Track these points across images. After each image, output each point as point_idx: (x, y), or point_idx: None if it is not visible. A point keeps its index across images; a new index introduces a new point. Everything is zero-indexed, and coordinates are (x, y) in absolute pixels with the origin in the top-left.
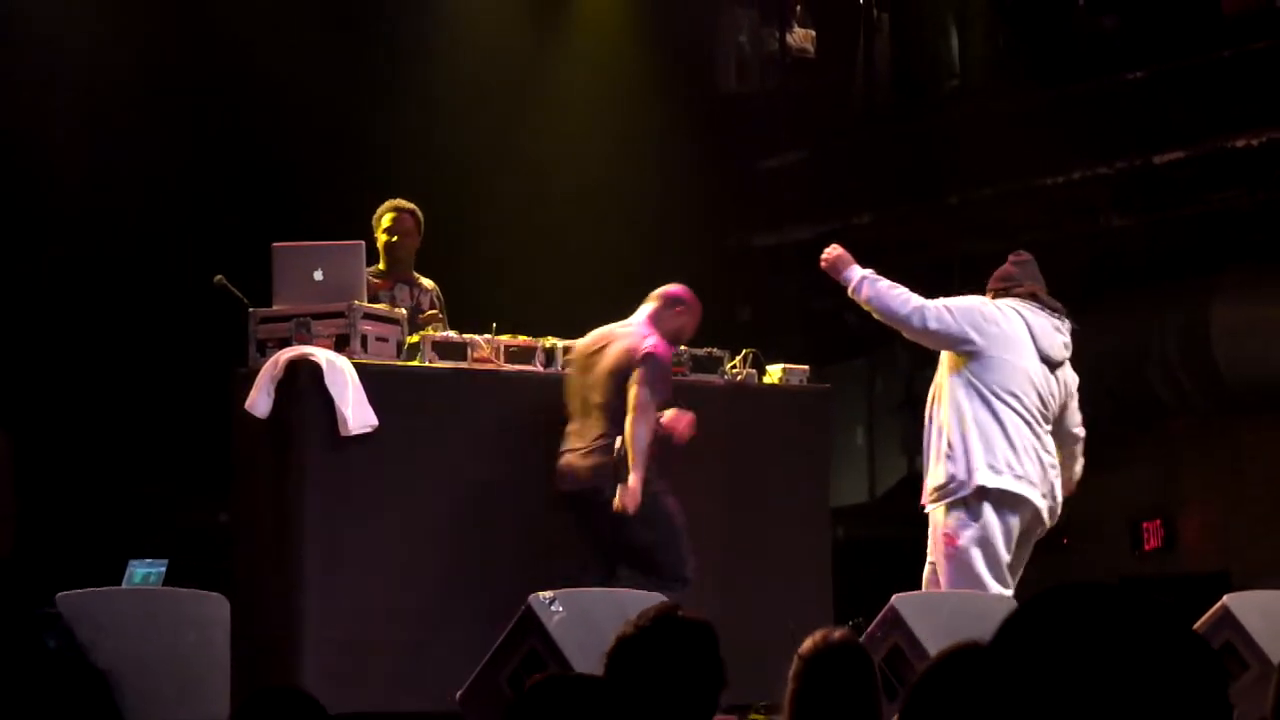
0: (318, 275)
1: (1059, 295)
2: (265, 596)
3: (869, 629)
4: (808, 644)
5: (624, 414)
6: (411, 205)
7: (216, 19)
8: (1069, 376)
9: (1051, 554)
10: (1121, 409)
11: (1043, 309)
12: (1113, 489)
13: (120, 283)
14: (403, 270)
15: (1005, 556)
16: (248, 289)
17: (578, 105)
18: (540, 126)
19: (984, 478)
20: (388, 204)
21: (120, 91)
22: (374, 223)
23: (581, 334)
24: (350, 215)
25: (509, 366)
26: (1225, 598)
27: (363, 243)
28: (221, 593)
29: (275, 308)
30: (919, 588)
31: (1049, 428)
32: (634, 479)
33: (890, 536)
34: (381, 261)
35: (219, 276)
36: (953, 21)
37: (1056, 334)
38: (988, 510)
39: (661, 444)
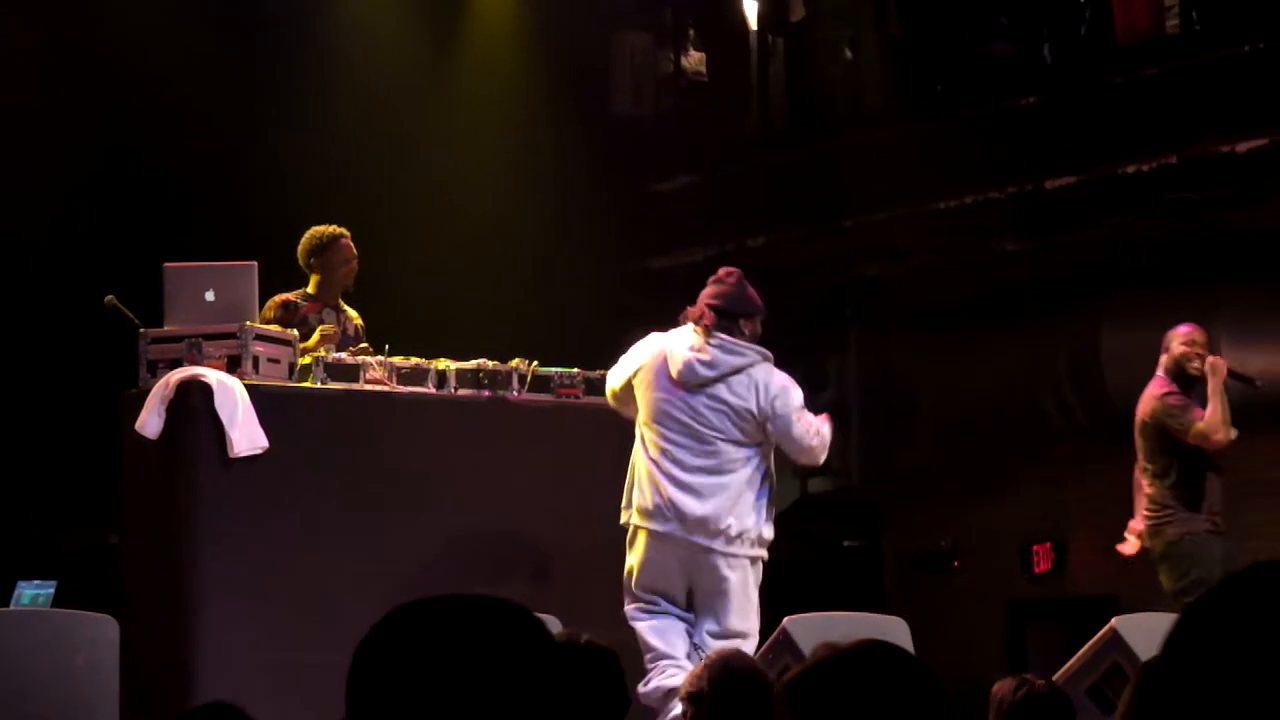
0: (209, 296)
1: (951, 319)
2: (155, 618)
3: (760, 650)
4: (710, 669)
5: None
6: (344, 230)
7: (107, 37)
8: (739, 392)
9: (944, 576)
10: (1013, 433)
11: (695, 330)
12: (1004, 512)
13: (11, 303)
14: (332, 297)
15: (648, 582)
16: (139, 309)
17: (473, 126)
18: (435, 147)
19: (623, 516)
20: (336, 230)
21: (8, 113)
22: (317, 247)
23: (473, 355)
24: (243, 235)
25: (401, 388)
26: (1113, 620)
27: (255, 263)
28: (111, 614)
29: (167, 328)
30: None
31: (705, 448)
32: None
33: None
34: (312, 286)
35: (110, 297)
36: (846, 47)
37: (691, 354)
38: (635, 542)
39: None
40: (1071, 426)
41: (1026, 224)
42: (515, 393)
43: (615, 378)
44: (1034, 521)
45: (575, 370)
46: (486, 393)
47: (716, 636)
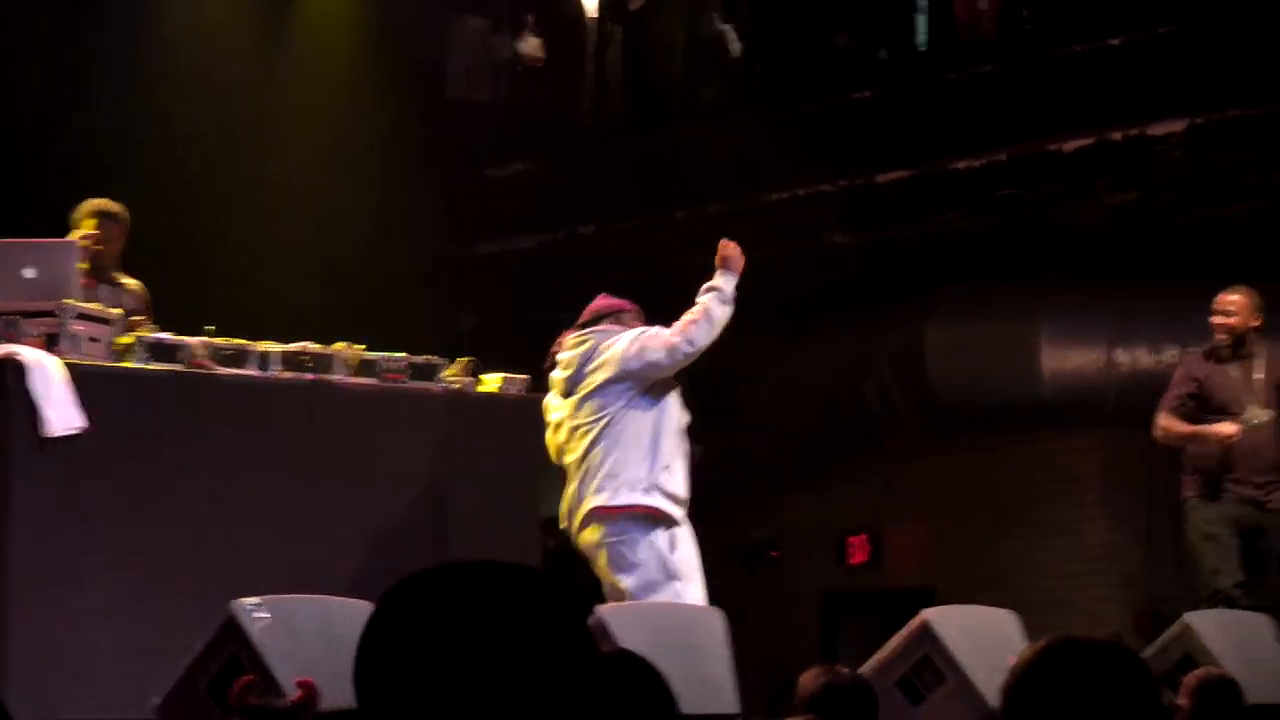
0: (28, 273)
1: (781, 311)
2: None
3: None
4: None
5: None
6: (116, 208)
7: None
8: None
9: (762, 567)
10: (837, 425)
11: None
12: (822, 505)
13: None
14: (106, 273)
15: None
16: None
17: (304, 107)
18: (266, 128)
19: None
20: (90, 206)
21: None
22: (72, 222)
23: (298, 338)
24: (64, 212)
25: (224, 370)
26: (924, 612)
27: (76, 240)
28: None
29: None
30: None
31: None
32: None
33: None
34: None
35: None
36: (685, 37)
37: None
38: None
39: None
40: (895, 419)
41: (857, 218)
42: (339, 376)
43: None
44: (853, 514)
45: (401, 355)
46: (310, 376)
47: None
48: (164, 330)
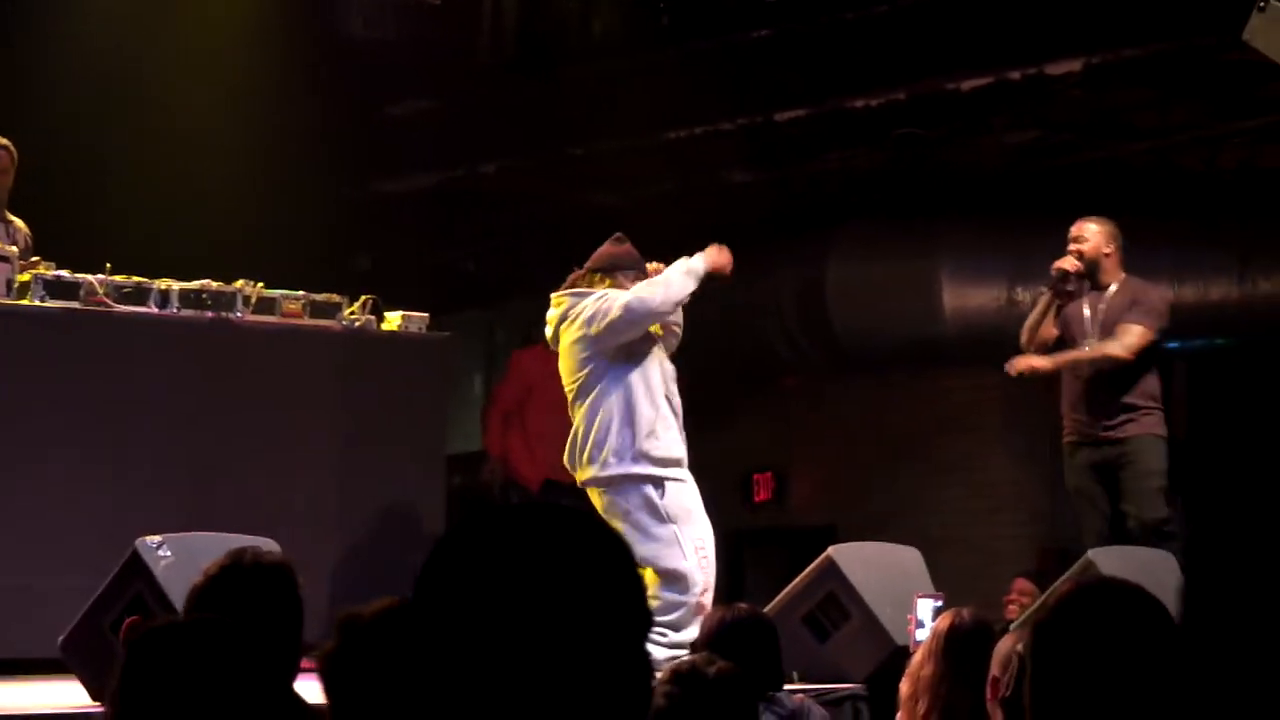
0: None
1: (680, 249)
2: None
3: None
4: None
5: None
6: (5, 141)
7: None
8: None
9: None
10: (739, 363)
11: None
12: (727, 443)
13: None
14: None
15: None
16: None
17: (199, 44)
18: (159, 64)
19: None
20: None
21: None
22: None
23: (197, 276)
24: None
25: (122, 308)
26: (829, 549)
27: None
28: None
29: None
30: None
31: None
32: None
33: None
34: None
35: None
36: None
37: None
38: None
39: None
40: (796, 357)
41: (756, 156)
42: (239, 314)
43: None
44: (758, 452)
45: (301, 293)
46: (210, 314)
47: None
48: (60, 269)
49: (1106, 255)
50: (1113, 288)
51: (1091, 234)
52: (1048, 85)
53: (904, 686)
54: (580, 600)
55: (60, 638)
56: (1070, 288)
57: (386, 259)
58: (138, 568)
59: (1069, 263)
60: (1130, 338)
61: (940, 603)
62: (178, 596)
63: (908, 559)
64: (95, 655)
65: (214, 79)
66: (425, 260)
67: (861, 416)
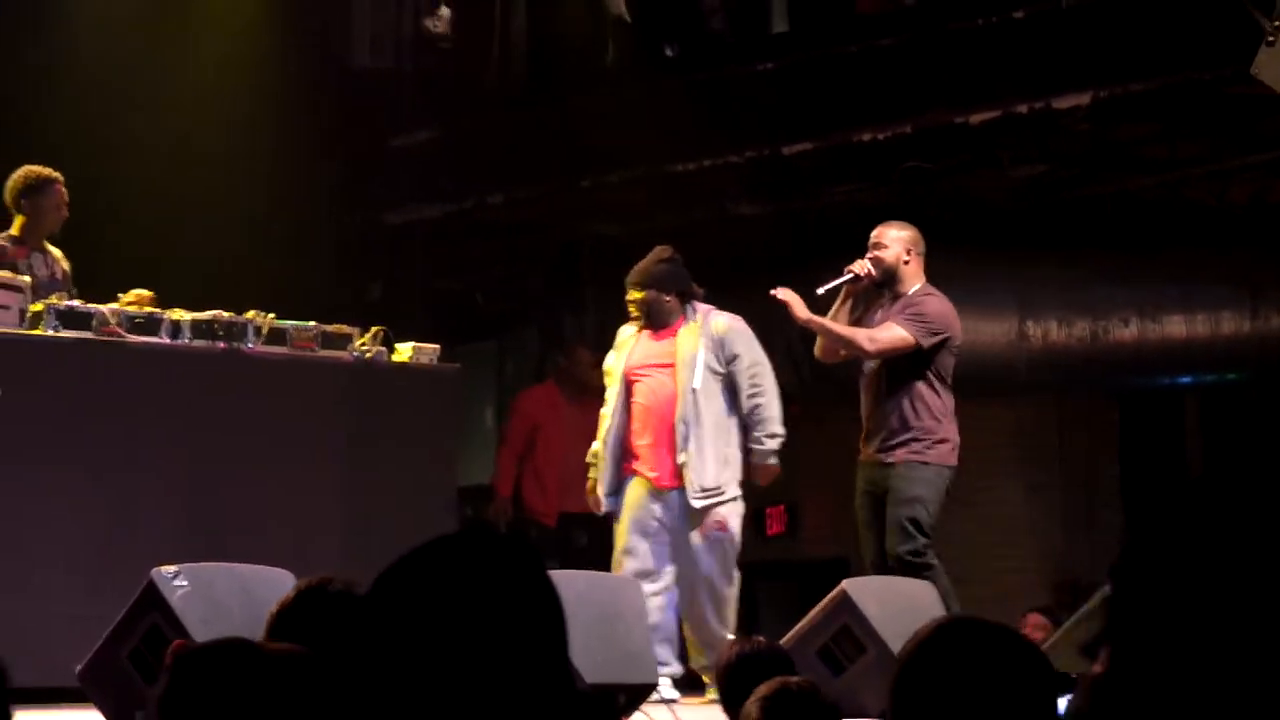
0: None
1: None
2: None
3: None
4: None
5: None
6: (58, 175)
7: None
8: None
9: None
10: None
11: None
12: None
13: None
14: (38, 240)
15: None
16: None
17: (209, 76)
18: (171, 95)
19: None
20: (48, 173)
21: None
22: (30, 188)
23: (208, 307)
24: None
25: (135, 338)
26: (844, 583)
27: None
28: None
29: None
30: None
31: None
32: None
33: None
34: (17, 228)
35: None
36: (589, 5)
37: None
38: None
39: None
40: (802, 388)
41: (763, 188)
42: (251, 345)
43: None
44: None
45: (312, 324)
46: (222, 344)
47: None
48: (77, 299)
49: (906, 263)
50: (908, 295)
51: (892, 240)
52: (1055, 119)
53: None
54: (494, 621)
55: (78, 667)
56: (860, 289)
57: (395, 290)
58: (154, 598)
59: (861, 266)
60: (882, 334)
61: None
62: (194, 625)
63: (921, 592)
64: (112, 684)
65: (223, 110)
66: (434, 291)
67: None
